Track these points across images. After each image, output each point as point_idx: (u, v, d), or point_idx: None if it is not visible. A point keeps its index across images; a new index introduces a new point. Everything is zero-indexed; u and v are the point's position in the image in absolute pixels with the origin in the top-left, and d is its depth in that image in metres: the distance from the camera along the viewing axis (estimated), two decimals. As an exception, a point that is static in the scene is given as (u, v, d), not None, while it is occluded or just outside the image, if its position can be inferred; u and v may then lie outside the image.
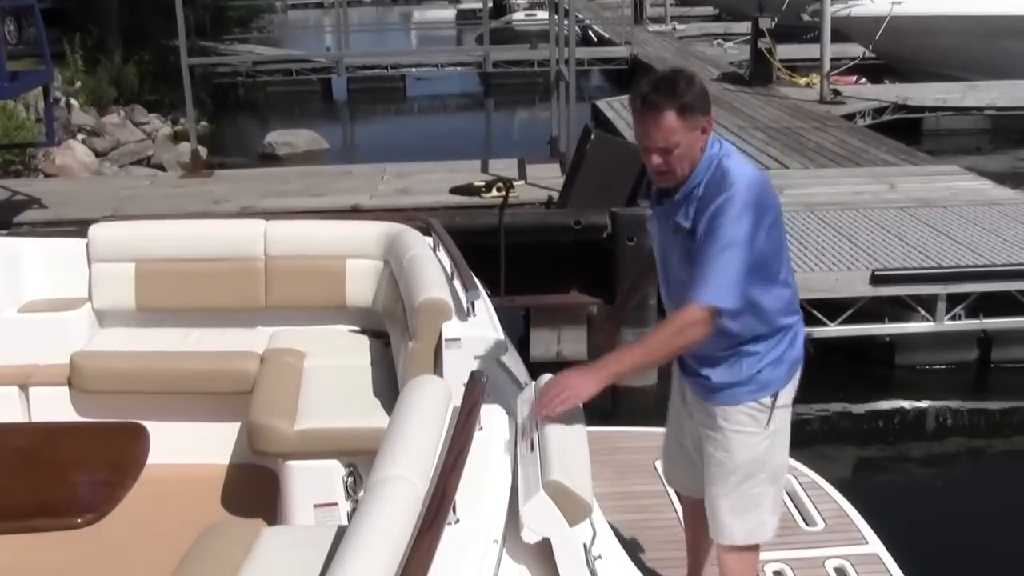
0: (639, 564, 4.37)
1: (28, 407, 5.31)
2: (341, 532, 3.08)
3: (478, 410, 3.13)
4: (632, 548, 4.52)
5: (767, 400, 3.66)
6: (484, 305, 4.59)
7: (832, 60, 19.84)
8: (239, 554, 3.08)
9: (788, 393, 3.73)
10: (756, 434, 3.68)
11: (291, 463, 4.57)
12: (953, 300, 9.39)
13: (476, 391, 3.23)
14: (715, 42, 33.57)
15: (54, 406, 5.26)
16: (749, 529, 3.77)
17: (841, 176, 13.25)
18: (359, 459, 4.56)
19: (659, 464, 5.18)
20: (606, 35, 36.00)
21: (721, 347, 3.63)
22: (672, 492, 4.94)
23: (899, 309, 9.52)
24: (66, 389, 5.28)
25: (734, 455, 3.69)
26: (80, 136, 18.30)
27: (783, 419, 3.73)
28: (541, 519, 2.90)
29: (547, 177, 12.15)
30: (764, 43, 21.49)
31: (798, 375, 3.76)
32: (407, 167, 13.30)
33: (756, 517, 3.76)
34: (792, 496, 4.92)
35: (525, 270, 8.76)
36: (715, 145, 3.57)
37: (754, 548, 3.84)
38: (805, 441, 5.39)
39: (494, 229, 9.25)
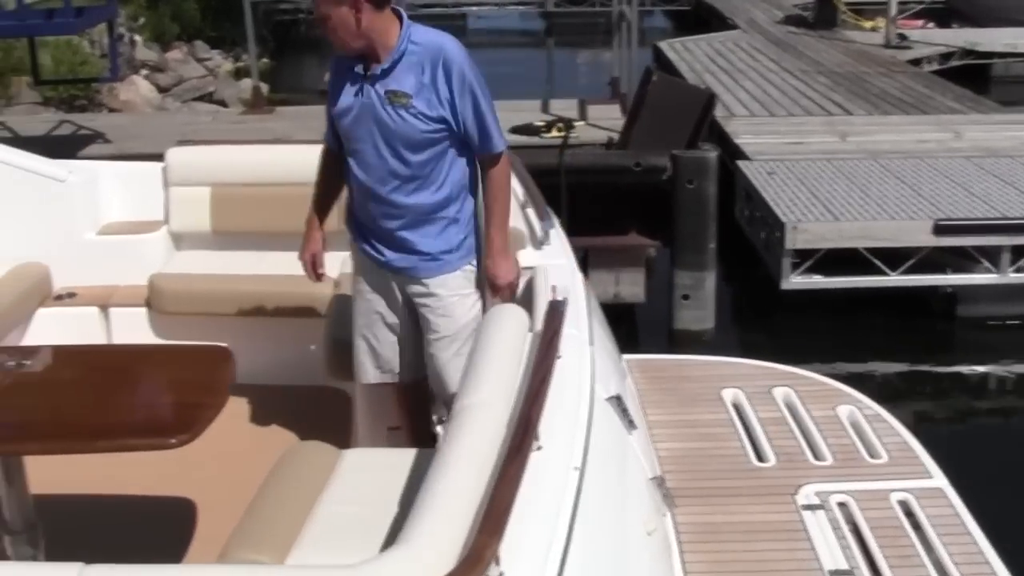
0: (701, 493, 4.44)
1: (108, 327, 5.43)
2: (420, 456, 3.16)
3: (559, 338, 3.19)
4: (697, 476, 4.57)
5: (474, 263, 4.08)
6: (557, 234, 4.60)
7: (899, 3, 19.53)
8: (322, 475, 3.19)
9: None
10: (470, 295, 4.08)
11: (368, 386, 4.62)
12: (1018, 252, 9.29)
13: (556, 319, 3.32)
14: (780, -17, 33.09)
15: (133, 326, 5.36)
16: None
17: (905, 123, 13.06)
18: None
19: (724, 392, 5.22)
20: (669, -25, 35.60)
21: (433, 217, 4.00)
22: (738, 420, 4.97)
23: (962, 260, 9.44)
24: (144, 310, 5.38)
25: (456, 319, 4.05)
26: (143, 72, 18.42)
27: (482, 281, 4.12)
28: None
29: (608, 118, 12.09)
30: (830, -15, 21.20)
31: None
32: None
33: None
34: (856, 428, 4.93)
35: (584, 211, 8.76)
36: (407, 19, 3.93)
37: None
38: (866, 389, 5.39)
39: (554, 169, 9.24)
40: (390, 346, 4.23)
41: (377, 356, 4.29)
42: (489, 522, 2.34)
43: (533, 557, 2.45)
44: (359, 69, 3.94)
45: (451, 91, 3.84)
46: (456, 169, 3.98)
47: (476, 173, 4.03)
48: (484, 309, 4.07)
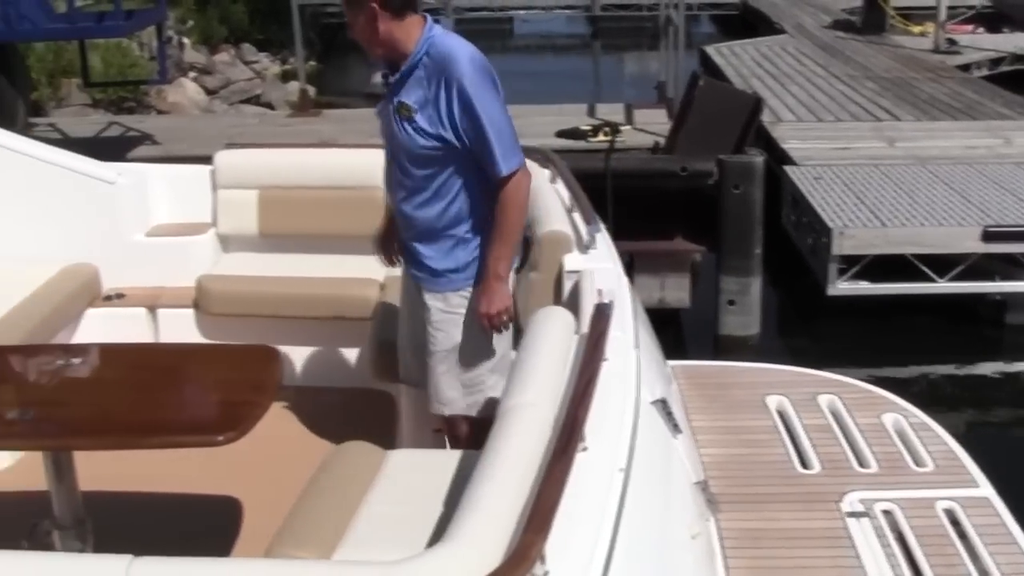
0: (745, 499, 4.42)
1: (156, 327, 5.49)
2: (466, 457, 3.18)
3: (605, 340, 3.20)
4: (741, 482, 4.55)
5: (472, 287, 4.02)
6: (604, 238, 4.60)
7: (948, 8, 19.36)
8: (368, 475, 3.23)
9: None
10: (466, 317, 4.03)
11: (410, 388, 4.66)
12: (1068, 259, 9.19)
13: (602, 322, 3.35)
14: (828, -12, 32.88)
15: (181, 327, 5.42)
16: (471, 403, 4.10)
17: (954, 129, 12.96)
18: None
19: (768, 399, 5.20)
20: (716, -20, 35.48)
21: (442, 234, 3.98)
22: (783, 426, 4.96)
23: (1011, 267, 9.35)
24: (192, 311, 5.44)
25: (450, 337, 4.04)
26: (191, 74, 18.57)
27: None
28: None
29: (654, 123, 12.09)
30: (878, -10, 21.04)
31: (513, 267, 4.13)
32: (514, 109, 12.86)
33: (479, 395, 4.10)
34: (902, 436, 4.90)
35: (629, 215, 8.73)
36: (431, 30, 3.86)
37: (465, 420, 4.17)
38: (912, 397, 5.35)
39: (600, 173, 9.24)
40: (416, 350, 4.26)
41: (408, 359, 4.36)
42: (535, 520, 2.35)
43: (578, 556, 2.46)
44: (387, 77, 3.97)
45: (451, 108, 3.77)
46: (469, 189, 3.92)
47: (493, 192, 3.93)
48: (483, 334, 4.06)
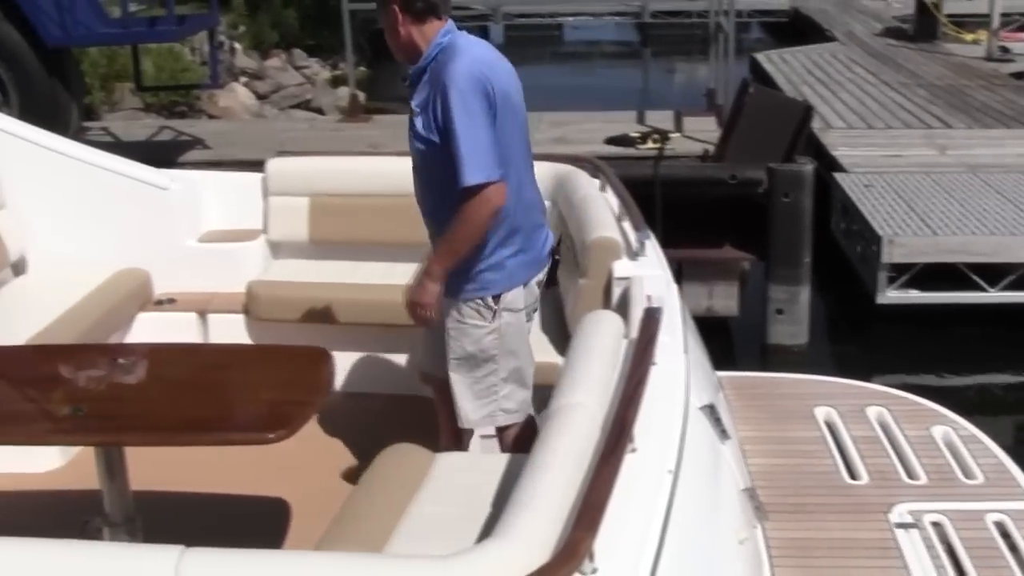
0: (793, 508, 4.41)
1: (206, 332, 5.56)
2: (514, 460, 3.20)
3: (655, 343, 3.22)
4: (788, 491, 4.54)
5: (490, 299, 3.98)
6: (653, 245, 4.61)
7: (1001, 15, 19.18)
8: (417, 476, 3.26)
9: (515, 297, 4.03)
10: (481, 327, 3.99)
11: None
12: (1122, 269, 9.07)
13: (652, 326, 3.37)
14: (880, -4, 32.66)
15: (231, 332, 5.49)
16: (486, 415, 4.07)
17: (1007, 137, 12.83)
18: None
19: (816, 410, 5.18)
20: (767, -13, 35.31)
21: None
22: (831, 437, 4.95)
23: (1064, 277, 9.24)
24: (242, 316, 5.51)
25: (463, 344, 4.02)
26: (243, 79, 18.69)
27: (511, 320, 4.03)
28: None
29: (703, 130, 12.06)
30: (930, -3, 20.88)
31: (533, 283, 4.11)
32: (563, 116, 13.27)
33: (492, 405, 4.08)
34: (951, 448, 4.86)
35: (678, 223, 8.71)
36: (445, 35, 3.86)
37: (503, 430, 4.16)
38: (962, 407, 5.31)
39: (649, 181, 9.22)
40: (433, 345, 4.26)
41: (422, 356, 4.41)
42: (585, 518, 2.37)
43: (627, 555, 2.47)
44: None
45: (436, 113, 3.77)
46: None
47: (508, 205, 3.89)
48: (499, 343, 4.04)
